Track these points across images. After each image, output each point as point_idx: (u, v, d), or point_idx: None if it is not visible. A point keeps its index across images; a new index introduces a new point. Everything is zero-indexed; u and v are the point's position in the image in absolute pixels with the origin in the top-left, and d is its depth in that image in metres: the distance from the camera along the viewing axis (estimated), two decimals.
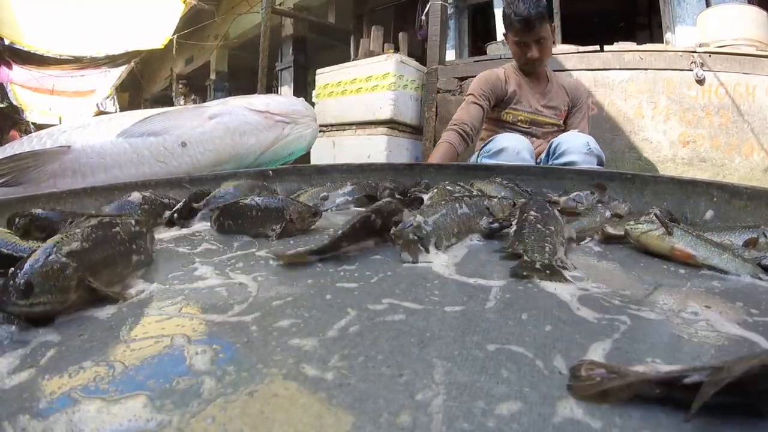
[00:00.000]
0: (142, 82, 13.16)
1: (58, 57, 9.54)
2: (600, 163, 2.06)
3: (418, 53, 5.99)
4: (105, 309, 0.64)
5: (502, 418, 0.40)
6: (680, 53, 4.45)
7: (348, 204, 1.41)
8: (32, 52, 9.06)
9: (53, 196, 1.28)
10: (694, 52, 4.39)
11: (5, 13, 7.75)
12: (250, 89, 7.75)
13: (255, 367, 0.47)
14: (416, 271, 0.79)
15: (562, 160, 2.04)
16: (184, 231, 1.17)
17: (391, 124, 4.80)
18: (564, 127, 2.61)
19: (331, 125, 5.17)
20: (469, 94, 2.55)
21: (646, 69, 4.52)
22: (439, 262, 0.83)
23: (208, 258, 0.87)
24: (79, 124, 1.86)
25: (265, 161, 1.99)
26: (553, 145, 2.16)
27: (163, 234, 1.15)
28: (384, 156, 4.68)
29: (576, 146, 2.04)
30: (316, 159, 4.95)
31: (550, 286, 0.73)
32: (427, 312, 0.61)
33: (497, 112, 2.58)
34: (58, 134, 1.80)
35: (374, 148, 4.73)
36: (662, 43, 5.52)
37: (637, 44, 4.74)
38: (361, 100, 4.96)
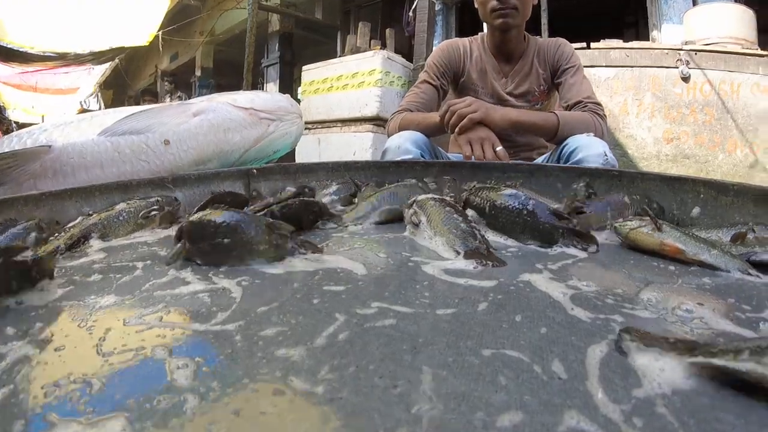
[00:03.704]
0: (127, 79, 13.05)
1: (42, 54, 9.43)
2: None
3: (405, 50, 5.99)
4: (83, 319, 0.61)
5: (504, 430, 0.38)
6: (666, 51, 4.49)
7: (334, 204, 1.38)
8: (15, 48, 8.94)
9: (31, 198, 1.25)
10: (680, 50, 4.44)
11: None
12: (235, 85, 7.75)
13: (240, 381, 0.45)
14: (405, 273, 0.77)
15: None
16: (168, 232, 1.15)
17: (377, 121, 4.79)
18: (551, 95, 2.27)
19: (317, 122, 5.16)
20: (424, 71, 2.28)
21: (632, 66, 4.56)
22: (429, 262, 0.81)
23: (191, 261, 0.83)
24: (60, 122, 1.82)
25: (250, 159, 1.96)
26: (566, 149, 1.88)
27: (147, 236, 1.13)
28: (370, 153, 4.66)
29: (593, 156, 1.77)
30: (301, 156, 4.93)
31: (542, 285, 0.72)
32: (418, 316, 0.59)
33: (456, 97, 2.23)
34: (38, 133, 1.76)
35: (360, 145, 4.74)
36: (648, 41, 5.54)
37: (624, 42, 4.75)
38: (347, 97, 4.95)
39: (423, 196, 1.06)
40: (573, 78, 2.12)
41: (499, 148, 1.81)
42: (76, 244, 1.10)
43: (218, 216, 0.83)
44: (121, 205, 1.28)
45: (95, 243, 1.11)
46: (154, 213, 1.29)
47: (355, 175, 1.58)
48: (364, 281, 0.72)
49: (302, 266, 0.78)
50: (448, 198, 1.07)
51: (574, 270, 0.81)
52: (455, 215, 0.96)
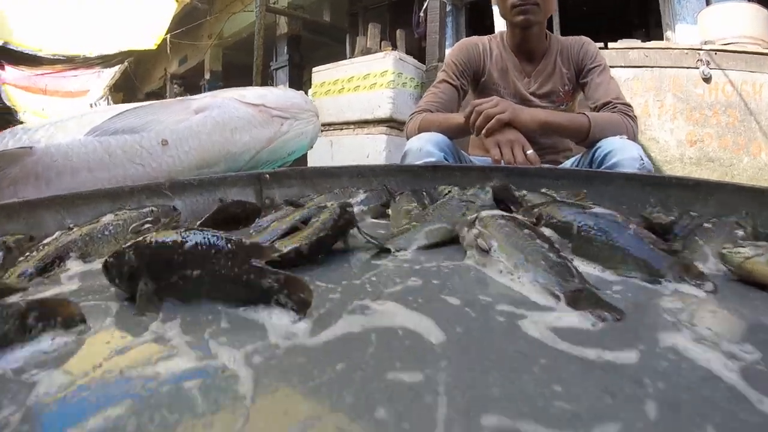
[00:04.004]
0: (136, 82, 12.87)
1: (51, 57, 9.31)
2: None
3: (415, 52, 5.79)
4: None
5: None
6: (686, 51, 4.31)
7: (363, 215, 1.13)
8: (24, 51, 8.83)
9: (3, 209, 1.02)
10: (700, 49, 4.27)
11: None
12: None
13: None
14: (502, 337, 0.51)
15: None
16: None
17: (391, 123, 4.60)
18: (575, 96, 2.12)
19: (329, 124, 4.95)
20: (442, 70, 2.12)
21: (651, 67, 4.37)
22: (525, 313, 0.55)
23: (180, 312, 0.57)
24: (46, 121, 1.57)
25: (262, 162, 1.69)
26: (599, 152, 1.74)
27: None
28: (384, 156, 4.47)
29: (628, 160, 1.62)
30: (313, 160, 4.73)
31: (696, 355, 0.47)
32: None
33: (476, 97, 2.07)
34: (21, 133, 1.51)
35: (374, 148, 4.55)
36: (662, 41, 5.36)
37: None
38: (359, 99, 4.76)
39: (487, 213, 0.79)
40: (599, 77, 1.97)
41: (530, 151, 1.68)
42: (49, 267, 0.85)
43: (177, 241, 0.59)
44: (108, 217, 1.04)
45: (73, 265, 0.86)
46: (147, 226, 1.05)
47: (384, 181, 1.33)
48: (447, 357, 0.44)
49: (342, 326, 0.51)
50: (519, 215, 0.81)
51: (710, 322, 0.58)
52: (538, 241, 0.70)
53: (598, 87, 1.95)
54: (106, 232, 1.00)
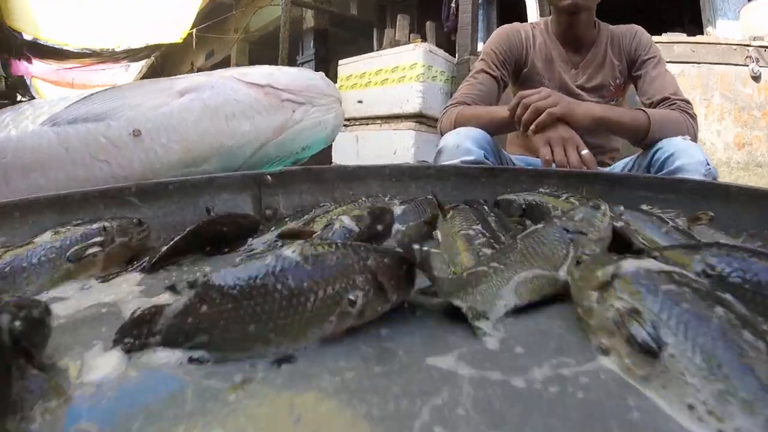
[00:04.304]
0: (163, 76, 12.77)
1: (78, 51, 9.21)
2: None
3: (444, 46, 5.51)
4: None
5: None
6: (734, 47, 3.98)
7: (398, 236, 0.78)
8: (50, 45, 8.72)
9: None
10: (749, 45, 3.94)
11: (21, 8, 7.53)
12: None
13: None
14: None
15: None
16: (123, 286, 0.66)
17: (419, 118, 4.28)
18: (626, 90, 1.92)
19: (355, 119, 4.69)
20: (480, 59, 1.90)
21: (698, 63, 4.03)
22: None
23: None
24: (7, 109, 1.23)
25: (268, 159, 1.33)
26: (659, 153, 1.53)
27: (75, 296, 0.59)
28: (412, 153, 4.17)
29: (693, 164, 1.41)
30: (337, 157, 4.43)
31: None
32: None
33: (516, 91, 1.87)
34: None
35: (401, 144, 4.24)
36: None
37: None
38: (386, 92, 4.47)
39: (634, 266, 0.41)
40: (655, 70, 1.78)
41: (585, 151, 1.47)
42: None
43: None
44: (45, 237, 0.73)
45: None
46: (93, 250, 0.72)
47: (425, 186, 0.98)
48: None
49: None
50: (688, 273, 0.43)
51: None
52: (748, 334, 0.33)
53: (654, 81, 1.76)
54: (34, 260, 0.68)
